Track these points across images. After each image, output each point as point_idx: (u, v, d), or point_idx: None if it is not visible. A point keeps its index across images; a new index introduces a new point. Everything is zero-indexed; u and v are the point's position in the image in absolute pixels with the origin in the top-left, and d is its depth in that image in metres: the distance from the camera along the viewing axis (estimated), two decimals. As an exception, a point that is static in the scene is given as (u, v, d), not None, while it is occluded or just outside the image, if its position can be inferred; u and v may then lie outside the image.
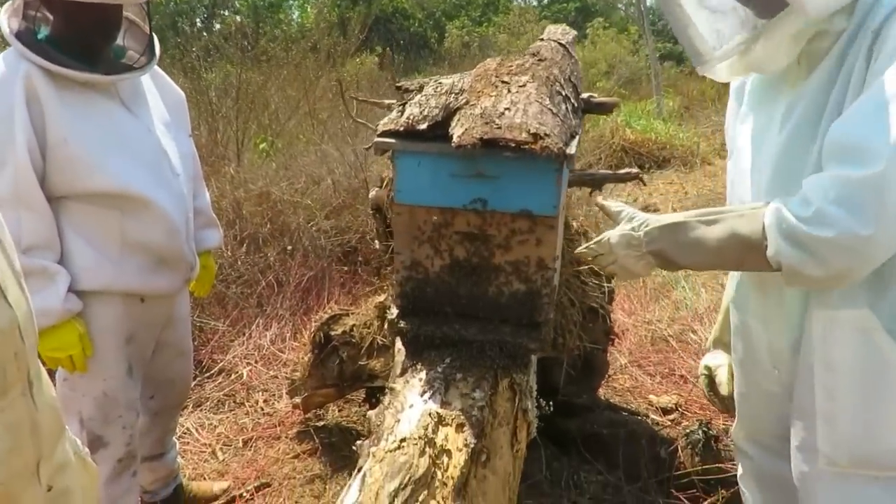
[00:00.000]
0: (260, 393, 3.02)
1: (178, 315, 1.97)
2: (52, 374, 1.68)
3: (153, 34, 1.76)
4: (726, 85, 1.40)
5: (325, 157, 4.83)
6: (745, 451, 1.46)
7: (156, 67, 1.81)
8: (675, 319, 3.35)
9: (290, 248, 3.88)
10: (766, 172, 1.19)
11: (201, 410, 2.90)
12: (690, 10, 1.23)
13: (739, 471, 1.52)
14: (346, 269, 3.99)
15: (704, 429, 2.07)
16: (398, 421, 1.39)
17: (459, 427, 1.34)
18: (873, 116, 0.92)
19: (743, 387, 1.40)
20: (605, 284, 2.05)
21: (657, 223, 1.14)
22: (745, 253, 1.03)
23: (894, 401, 1.06)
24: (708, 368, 1.51)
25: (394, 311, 1.67)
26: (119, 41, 1.71)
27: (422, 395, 1.45)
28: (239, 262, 3.77)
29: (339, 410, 2.80)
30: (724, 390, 1.45)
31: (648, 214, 1.17)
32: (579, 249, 1.28)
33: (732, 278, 1.40)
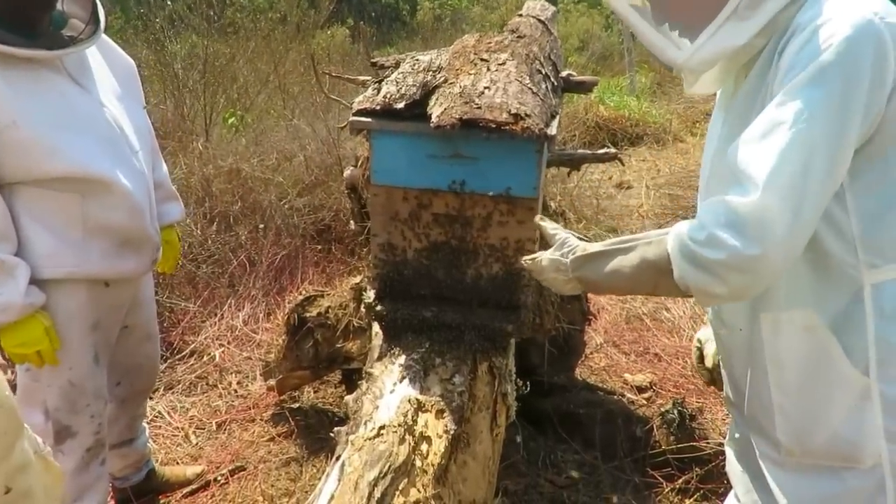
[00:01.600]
0: (233, 375, 2.97)
1: (143, 297, 1.91)
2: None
3: (97, 0, 1.63)
4: None
5: (296, 132, 4.72)
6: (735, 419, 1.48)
7: (102, 35, 1.68)
8: (649, 298, 3.37)
9: (262, 226, 3.80)
10: (706, 171, 1.25)
11: (173, 393, 2.84)
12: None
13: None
14: (319, 247, 3.93)
15: (679, 408, 2.09)
16: (377, 407, 1.37)
17: (439, 413, 1.33)
18: (756, 142, 0.95)
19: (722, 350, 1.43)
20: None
21: (582, 252, 1.17)
22: (658, 277, 1.06)
23: (836, 392, 1.09)
24: (699, 341, 1.53)
25: (370, 294, 1.64)
26: (59, 6, 1.58)
27: (401, 381, 1.43)
28: (209, 241, 3.68)
29: (315, 392, 2.77)
30: (708, 362, 1.47)
31: (578, 241, 1.19)
32: (522, 259, 1.30)
33: None
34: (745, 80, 1.11)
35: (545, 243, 1.29)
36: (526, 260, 1.27)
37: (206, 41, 6.28)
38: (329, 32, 9.18)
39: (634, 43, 14.34)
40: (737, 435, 1.37)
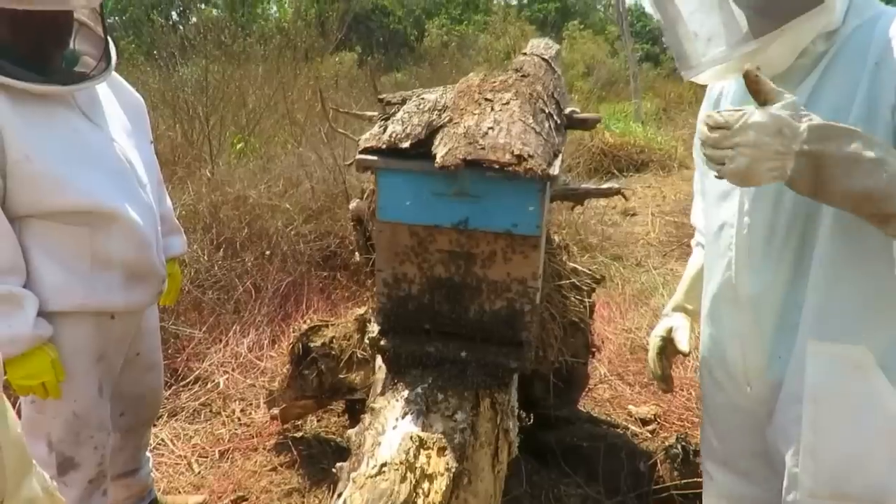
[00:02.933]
0: (237, 402, 2.97)
1: (147, 328, 1.92)
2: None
3: (108, 37, 1.67)
4: (704, 87, 1.38)
5: (302, 160, 4.77)
6: (711, 474, 1.46)
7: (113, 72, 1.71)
8: (654, 327, 3.36)
9: (268, 252, 3.83)
10: (748, 194, 1.20)
11: (176, 420, 2.84)
12: (685, 9, 1.21)
13: (705, 491, 1.52)
14: (325, 274, 3.95)
15: (683, 443, 2.08)
16: (379, 444, 1.38)
17: (441, 451, 1.32)
18: None
19: (713, 402, 1.40)
20: (587, 299, 2.05)
21: (823, 121, 0.94)
22: None
23: (880, 437, 1.08)
24: (666, 331, 1.47)
25: (374, 328, 1.65)
26: (72, 44, 1.63)
27: (403, 417, 1.43)
28: (216, 267, 3.70)
29: (318, 421, 2.77)
30: (683, 348, 1.41)
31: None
32: (708, 112, 1.02)
33: (707, 286, 1.37)
34: (812, 82, 1.09)
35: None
36: (721, 112, 0.98)
37: (215, 66, 6.39)
38: (337, 59, 9.33)
39: (640, 69, 14.48)
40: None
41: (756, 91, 0.98)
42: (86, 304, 1.62)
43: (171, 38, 7.74)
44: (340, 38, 7.60)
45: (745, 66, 0.88)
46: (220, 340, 3.36)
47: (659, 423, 2.57)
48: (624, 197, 2.08)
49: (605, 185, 2.02)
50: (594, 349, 2.26)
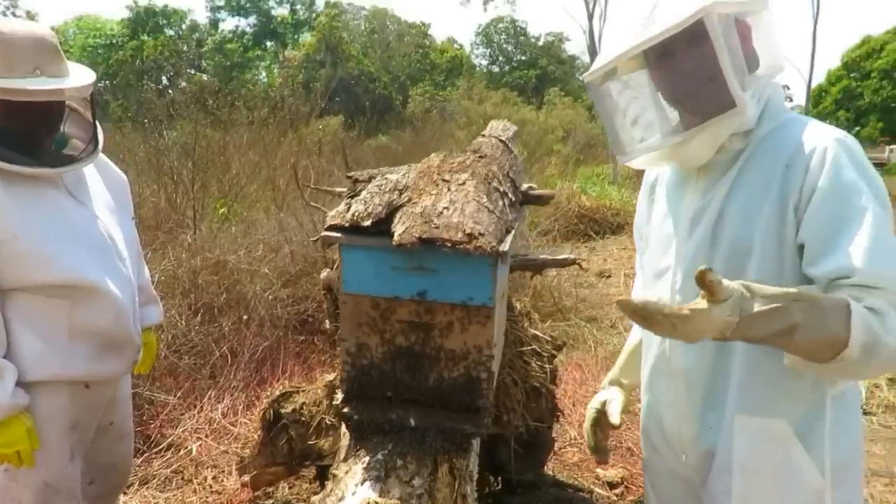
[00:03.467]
0: (209, 469, 2.97)
1: (120, 397, 1.97)
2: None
3: (97, 122, 1.78)
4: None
5: (283, 225, 4.89)
6: None
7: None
8: (643, 390, 3.43)
9: (245, 317, 3.88)
10: (679, 274, 1.32)
11: (147, 489, 2.83)
12: (621, 103, 1.37)
13: None
14: (302, 338, 4.00)
15: (645, 506, 2.12)
16: (338, 510, 1.42)
17: (397, 516, 1.38)
18: (888, 255, 1.05)
19: (654, 468, 1.48)
20: (548, 365, 2.13)
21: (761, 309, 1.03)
22: (832, 329, 1.01)
23: (797, 501, 1.17)
24: (601, 403, 1.54)
25: (339, 396, 1.71)
26: (61, 129, 1.73)
27: (362, 483, 1.49)
28: (193, 333, 3.75)
29: (290, 488, 2.77)
30: (614, 420, 1.47)
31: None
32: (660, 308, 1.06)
33: (646, 357, 1.47)
34: (730, 178, 1.22)
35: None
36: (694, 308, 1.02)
37: (202, 131, 6.57)
38: (320, 125, 9.61)
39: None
40: None
41: (705, 288, 1.08)
42: (62, 374, 1.68)
43: (160, 103, 7.97)
44: (324, 105, 7.87)
45: (699, 268, 1.00)
46: (195, 406, 3.37)
47: (626, 486, 2.61)
48: (580, 266, 2.19)
49: (561, 256, 2.14)
50: (558, 413, 2.33)
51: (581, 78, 1.38)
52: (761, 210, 1.16)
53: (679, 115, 1.32)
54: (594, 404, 1.57)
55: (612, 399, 1.53)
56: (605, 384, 1.64)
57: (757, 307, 1.00)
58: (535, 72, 46.79)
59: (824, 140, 1.13)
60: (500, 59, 52.64)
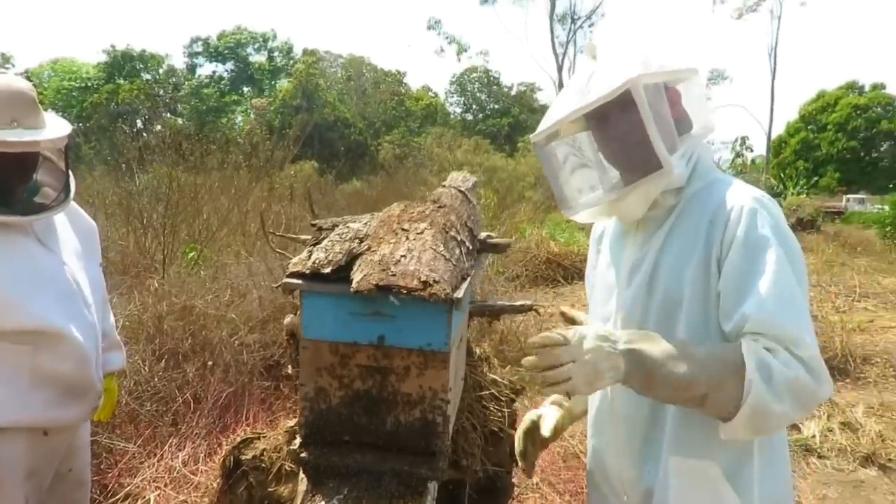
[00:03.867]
0: (167, 519, 2.91)
1: (78, 444, 1.96)
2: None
3: (69, 172, 1.83)
4: None
5: (252, 269, 4.90)
6: None
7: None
8: (588, 433, 3.47)
9: (210, 363, 3.86)
10: (619, 321, 1.40)
11: (102, 540, 2.76)
12: (564, 162, 1.48)
13: None
14: (267, 384, 3.98)
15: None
16: (292, 556, 1.43)
17: (350, 561, 1.39)
18: (785, 306, 1.15)
19: None
20: (506, 409, 2.17)
21: (641, 329, 1.23)
22: (721, 377, 1.11)
23: None
24: (538, 416, 1.60)
25: (297, 441, 1.74)
26: (33, 178, 1.77)
27: (317, 528, 1.50)
28: (156, 378, 3.71)
29: (249, 537, 2.72)
30: (543, 432, 1.54)
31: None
32: (544, 334, 1.17)
33: (592, 398, 1.54)
34: (664, 231, 1.32)
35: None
36: (560, 332, 1.16)
37: (174, 174, 6.59)
38: (293, 171, 9.70)
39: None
40: None
41: (570, 322, 1.30)
42: (20, 420, 1.67)
43: (133, 146, 7.99)
44: (296, 151, 7.98)
45: (560, 308, 1.17)
46: (155, 454, 3.31)
47: (586, 531, 2.62)
48: (537, 312, 2.26)
49: (518, 303, 2.21)
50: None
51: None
52: (690, 263, 1.25)
53: (618, 173, 1.43)
54: (531, 415, 1.63)
55: (548, 415, 1.59)
56: (547, 402, 1.70)
57: (637, 329, 1.18)
58: (507, 120, 47.94)
59: (743, 199, 1.23)
60: (474, 107, 53.85)
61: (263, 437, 2.37)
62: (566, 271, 8.48)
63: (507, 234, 8.67)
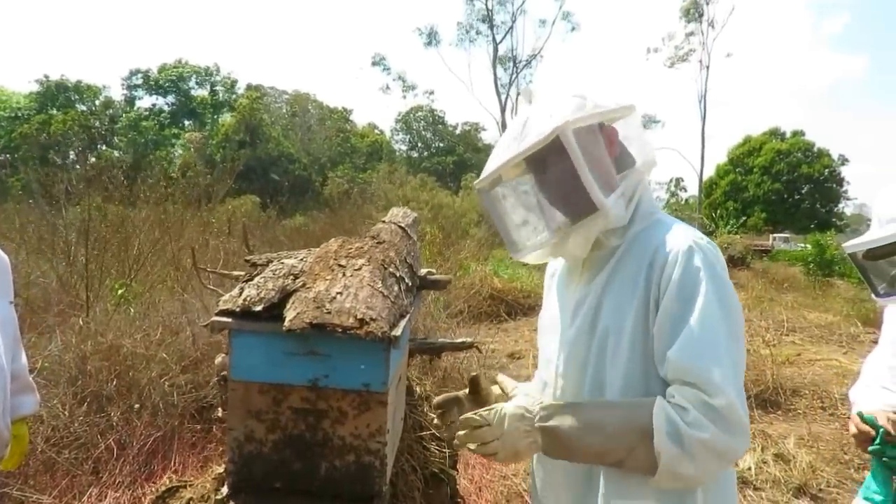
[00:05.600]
0: (82, 578, 2.69)
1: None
2: None
3: None
4: None
5: (186, 306, 4.71)
6: None
7: None
8: (530, 475, 3.44)
9: (137, 405, 3.64)
10: (561, 359, 1.39)
11: None
12: (508, 206, 1.47)
13: None
14: (199, 427, 3.78)
15: None
16: None
17: None
18: (706, 351, 1.16)
19: None
20: (447, 450, 2.12)
21: (556, 402, 1.25)
22: (637, 442, 1.14)
23: None
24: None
25: (224, 489, 1.63)
26: None
27: (244, 585, 1.40)
28: (76, 423, 3.47)
29: None
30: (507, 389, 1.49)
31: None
32: (467, 415, 1.26)
33: None
34: (607, 272, 1.32)
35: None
36: (479, 413, 1.24)
37: (103, 207, 6.32)
38: (230, 206, 9.48)
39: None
40: None
41: (503, 391, 1.37)
42: None
43: (62, 178, 7.65)
44: (236, 185, 7.81)
45: (496, 377, 1.31)
46: (72, 506, 3.08)
47: (530, 574, 2.56)
48: (478, 350, 2.24)
49: (459, 340, 2.18)
50: (460, 500, 2.30)
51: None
52: (631, 304, 1.26)
53: (560, 215, 1.43)
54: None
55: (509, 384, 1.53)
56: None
57: (552, 401, 1.24)
58: (452, 158, 48.62)
59: (681, 242, 1.25)
60: (420, 145, 54.44)
61: (190, 485, 2.23)
62: (509, 307, 8.54)
63: (452, 270, 8.69)
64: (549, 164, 1.29)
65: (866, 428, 1.75)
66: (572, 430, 1.18)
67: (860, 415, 1.77)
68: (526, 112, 1.34)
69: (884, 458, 1.71)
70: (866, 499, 1.81)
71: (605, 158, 1.29)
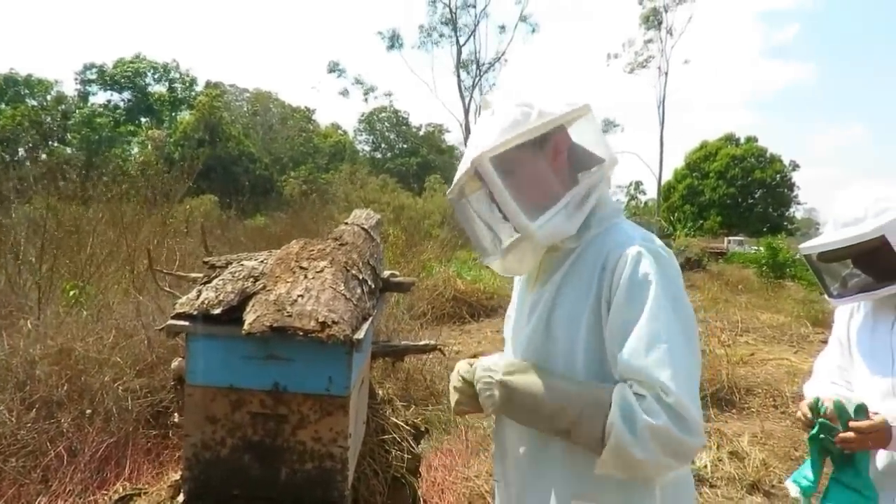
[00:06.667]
0: (29, 591, 2.58)
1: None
2: None
3: None
4: None
5: (140, 309, 4.58)
6: None
7: None
8: (492, 473, 3.45)
9: (89, 411, 3.53)
10: (518, 356, 1.41)
11: None
12: (476, 215, 1.48)
13: None
14: (154, 433, 3.68)
15: None
16: None
17: None
18: (656, 352, 1.16)
19: None
20: (407, 455, 2.11)
21: (523, 363, 1.32)
22: (590, 410, 1.16)
23: None
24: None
25: (181, 498, 1.59)
26: None
27: None
28: (24, 430, 3.34)
29: None
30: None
31: None
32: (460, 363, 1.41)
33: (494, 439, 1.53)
34: (561, 274, 1.33)
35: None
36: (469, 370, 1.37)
37: (55, 205, 6.11)
38: (188, 205, 9.27)
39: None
40: None
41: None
42: None
43: (11, 175, 7.37)
44: (194, 184, 7.64)
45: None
46: (19, 516, 2.96)
47: (492, 575, 2.57)
48: (441, 352, 2.24)
49: (422, 342, 2.17)
50: (423, 503, 2.29)
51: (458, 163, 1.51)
52: (585, 306, 1.27)
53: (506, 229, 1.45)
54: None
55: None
56: None
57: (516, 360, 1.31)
58: (416, 159, 48.57)
59: (632, 244, 1.26)
60: (383, 146, 54.24)
61: (145, 492, 2.17)
62: (472, 308, 8.56)
63: (415, 272, 8.66)
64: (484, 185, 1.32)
65: (808, 413, 1.82)
66: (529, 388, 1.23)
67: (815, 400, 1.82)
68: (477, 125, 1.37)
69: (821, 436, 1.77)
70: (794, 481, 1.87)
71: (542, 174, 1.30)
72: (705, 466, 4.03)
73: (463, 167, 1.32)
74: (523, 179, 1.27)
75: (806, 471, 1.86)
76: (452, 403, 1.44)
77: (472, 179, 1.35)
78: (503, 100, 1.37)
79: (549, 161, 1.31)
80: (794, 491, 1.87)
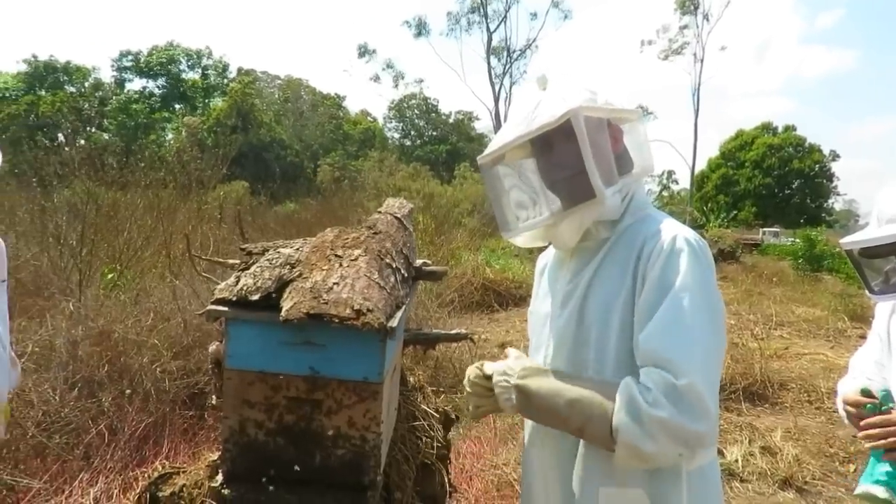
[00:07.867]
0: (73, 563, 2.69)
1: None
2: None
3: None
4: None
5: (177, 293, 4.69)
6: None
7: None
8: (521, 462, 3.47)
9: (128, 391, 3.64)
10: (550, 348, 1.41)
11: (-3, 588, 2.53)
12: (507, 185, 1.48)
13: None
14: (191, 413, 3.78)
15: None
16: None
17: None
18: (675, 334, 1.17)
19: None
20: (437, 442, 2.13)
21: (536, 366, 1.33)
22: (598, 410, 1.18)
23: None
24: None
25: (219, 478, 1.64)
26: None
27: (238, 572, 1.41)
28: (67, 409, 3.46)
29: (165, 580, 2.55)
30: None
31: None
32: (471, 367, 1.43)
33: (525, 429, 1.55)
34: (595, 264, 1.34)
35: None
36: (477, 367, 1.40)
37: (95, 190, 6.27)
38: (221, 192, 9.43)
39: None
40: None
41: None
42: None
43: (52, 161, 7.56)
44: (227, 171, 7.76)
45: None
46: (63, 491, 3.08)
47: (519, 562, 2.59)
48: (472, 341, 2.25)
49: (454, 331, 2.19)
50: (452, 489, 2.32)
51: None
52: (619, 296, 1.27)
53: (557, 200, 1.44)
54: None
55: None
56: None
57: (529, 364, 1.33)
58: (445, 147, 48.50)
59: (668, 236, 1.26)
60: (413, 133, 54.23)
61: (183, 471, 2.23)
62: (501, 297, 8.56)
63: (444, 260, 8.70)
64: (556, 147, 1.31)
65: (863, 399, 1.76)
66: (542, 391, 1.25)
67: (864, 388, 1.78)
68: (538, 96, 1.35)
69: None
70: (876, 482, 1.76)
71: (608, 152, 1.31)
72: (736, 461, 3.99)
73: (540, 121, 1.28)
74: (597, 149, 1.27)
75: (878, 468, 1.77)
76: (470, 408, 1.44)
77: (518, 149, 1.37)
78: (559, 78, 1.38)
79: (611, 145, 1.32)
80: (880, 492, 1.70)
